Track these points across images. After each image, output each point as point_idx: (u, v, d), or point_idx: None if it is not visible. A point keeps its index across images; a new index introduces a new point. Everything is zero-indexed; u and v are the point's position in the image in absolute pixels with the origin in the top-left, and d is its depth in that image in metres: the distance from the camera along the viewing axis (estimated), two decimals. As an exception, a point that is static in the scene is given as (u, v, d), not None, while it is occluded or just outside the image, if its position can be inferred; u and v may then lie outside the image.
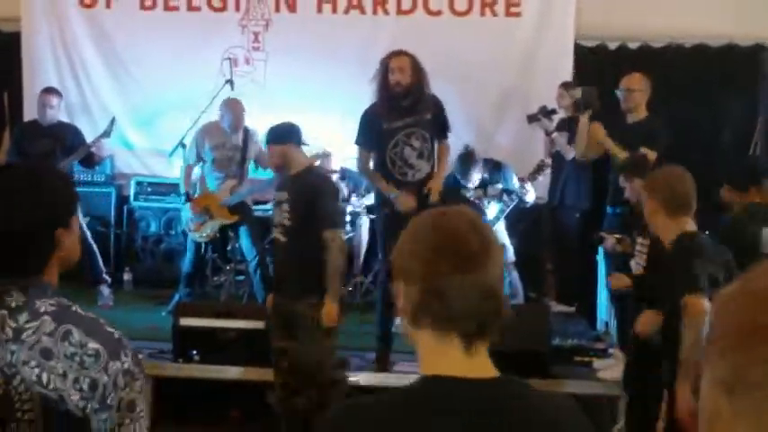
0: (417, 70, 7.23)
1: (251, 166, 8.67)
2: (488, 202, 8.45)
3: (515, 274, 8.51)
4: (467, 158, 8.50)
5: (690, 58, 9.37)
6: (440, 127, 7.43)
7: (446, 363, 1.93)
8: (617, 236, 6.67)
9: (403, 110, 7.20)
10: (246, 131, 8.61)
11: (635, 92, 7.82)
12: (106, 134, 8.77)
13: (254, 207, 8.92)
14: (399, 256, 1.99)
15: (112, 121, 8.86)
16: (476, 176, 8.49)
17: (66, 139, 8.75)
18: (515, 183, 8.51)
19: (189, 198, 8.48)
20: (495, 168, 8.68)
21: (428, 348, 1.96)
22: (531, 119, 8.57)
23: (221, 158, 8.52)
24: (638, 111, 7.84)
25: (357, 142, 7.37)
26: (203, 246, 8.58)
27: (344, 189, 9.12)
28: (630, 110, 7.84)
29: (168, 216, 9.54)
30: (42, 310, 2.21)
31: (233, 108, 8.57)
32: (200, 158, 8.59)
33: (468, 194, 8.41)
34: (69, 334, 2.18)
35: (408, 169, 7.28)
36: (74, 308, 2.26)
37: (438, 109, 7.42)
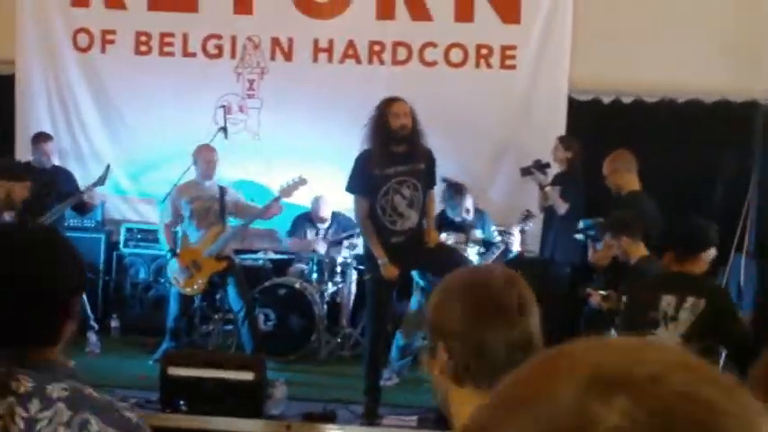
0: (414, 118, 7.27)
1: (230, 220, 8.57)
2: (469, 248, 8.39)
3: None
4: (457, 189, 8.43)
5: (683, 113, 9.36)
6: (430, 178, 7.45)
7: None
8: (602, 292, 6.64)
9: (397, 157, 7.19)
10: (221, 188, 8.49)
11: (608, 177, 7.69)
12: (100, 182, 8.68)
13: (243, 256, 8.86)
14: (437, 314, 1.97)
15: (107, 169, 8.76)
16: (467, 205, 8.43)
17: (59, 184, 8.70)
18: (494, 233, 8.51)
19: (174, 254, 8.39)
20: (475, 214, 8.65)
21: (469, 406, 1.90)
22: (525, 172, 8.57)
23: (199, 210, 8.40)
24: (620, 189, 7.63)
25: (350, 190, 7.32)
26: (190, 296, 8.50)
27: (330, 235, 9.08)
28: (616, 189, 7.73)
29: (158, 263, 9.42)
30: (55, 396, 1.99)
31: (204, 155, 8.50)
32: (178, 216, 8.49)
33: (448, 238, 8.33)
34: (87, 423, 1.97)
35: (398, 218, 7.26)
36: (87, 391, 2.05)
37: (431, 160, 7.43)
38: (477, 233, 8.51)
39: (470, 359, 1.94)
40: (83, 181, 8.90)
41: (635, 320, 5.72)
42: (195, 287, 8.33)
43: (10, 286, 2.07)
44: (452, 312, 1.98)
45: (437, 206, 7.99)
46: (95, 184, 8.67)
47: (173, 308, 8.46)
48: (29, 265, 2.09)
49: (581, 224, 7.71)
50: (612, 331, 6.55)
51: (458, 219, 8.48)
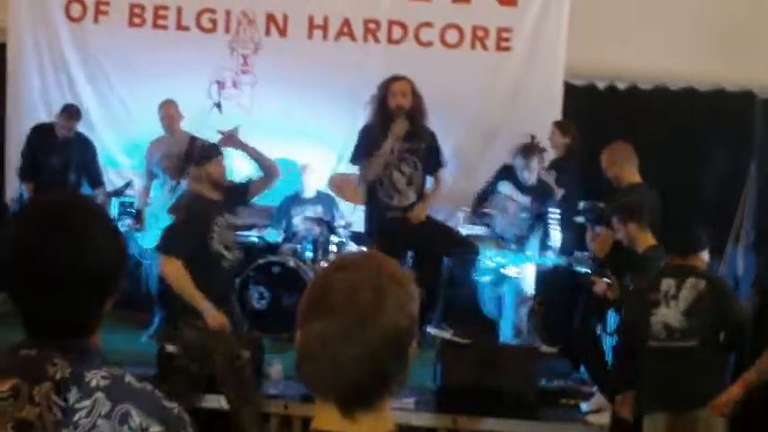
0: (417, 96, 7.39)
1: None
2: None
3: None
4: (526, 148, 8.28)
5: (678, 101, 9.38)
6: (433, 159, 7.48)
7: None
8: (607, 280, 6.62)
9: (398, 135, 7.31)
10: (191, 139, 8.45)
11: (607, 168, 7.62)
12: (118, 194, 8.87)
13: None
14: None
15: (127, 184, 8.97)
16: (535, 166, 8.20)
17: (79, 155, 8.85)
18: None
19: (138, 214, 8.58)
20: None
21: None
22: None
23: (170, 167, 8.48)
24: (620, 181, 7.51)
25: (353, 161, 7.41)
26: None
27: (318, 215, 9.04)
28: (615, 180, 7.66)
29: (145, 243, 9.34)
30: (94, 384, 1.89)
31: (163, 110, 8.75)
32: (150, 174, 8.70)
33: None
34: (128, 416, 1.89)
35: (395, 193, 7.38)
36: (127, 379, 1.95)
37: (432, 140, 7.50)
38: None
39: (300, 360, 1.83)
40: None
41: (636, 303, 5.77)
42: None
43: (51, 270, 1.93)
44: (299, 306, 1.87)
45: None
46: (110, 195, 8.85)
47: (154, 276, 8.48)
48: (73, 246, 1.94)
49: (581, 204, 7.68)
50: (611, 316, 6.61)
51: (528, 182, 8.26)
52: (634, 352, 5.68)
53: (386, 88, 7.50)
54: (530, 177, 8.17)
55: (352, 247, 8.74)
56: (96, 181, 9.06)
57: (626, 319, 6.12)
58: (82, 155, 8.94)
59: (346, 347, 1.75)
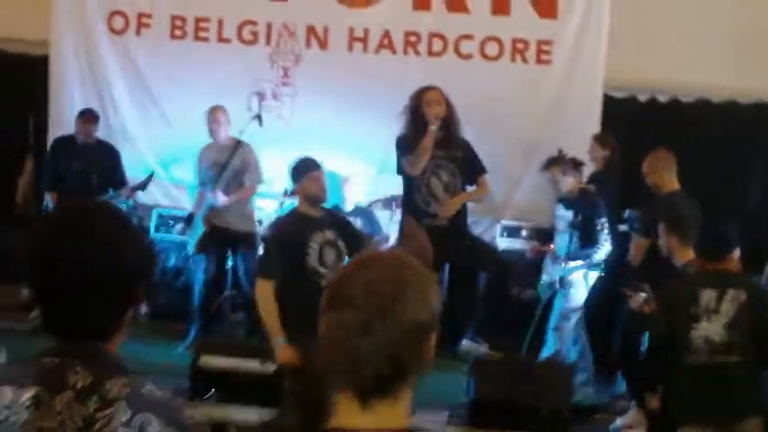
0: (449, 105, 7.48)
1: None
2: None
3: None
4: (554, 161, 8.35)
5: (719, 114, 9.30)
6: (473, 167, 7.53)
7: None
8: (644, 294, 6.50)
9: (434, 142, 7.34)
10: (236, 144, 8.63)
11: (647, 176, 7.58)
12: (141, 187, 8.85)
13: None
14: None
15: (150, 176, 8.94)
16: (562, 179, 8.21)
17: (100, 159, 8.88)
18: None
19: (190, 217, 8.60)
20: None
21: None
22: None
23: (215, 174, 8.59)
24: (659, 189, 7.52)
25: (399, 171, 7.61)
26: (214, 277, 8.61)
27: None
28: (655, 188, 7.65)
29: (187, 250, 9.37)
30: (114, 392, 1.92)
31: (210, 115, 8.74)
32: (202, 183, 8.74)
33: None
34: (148, 425, 1.91)
35: (432, 200, 7.45)
36: (147, 387, 1.97)
37: (468, 150, 7.58)
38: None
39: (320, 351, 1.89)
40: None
41: (675, 317, 5.66)
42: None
43: (76, 273, 1.95)
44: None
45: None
46: (136, 188, 8.84)
47: (198, 284, 8.58)
48: (97, 250, 1.97)
49: (626, 213, 7.65)
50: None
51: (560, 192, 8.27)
52: (666, 358, 5.59)
53: (419, 98, 7.58)
54: (560, 189, 8.12)
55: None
56: (120, 184, 9.04)
57: (663, 334, 5.98)
58: (103, 159, 8.99)
59: (366, 337, 1.77)
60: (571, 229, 8.01)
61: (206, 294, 8.59)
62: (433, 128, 7.45)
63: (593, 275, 8.01)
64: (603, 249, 7.95)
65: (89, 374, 1.92)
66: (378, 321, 1.77)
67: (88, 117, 9.06)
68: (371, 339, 1.77)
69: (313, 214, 6.17)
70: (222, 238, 8.62)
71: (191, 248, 8.68)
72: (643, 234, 7.24)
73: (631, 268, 7.41)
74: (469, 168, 7.72)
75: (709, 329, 5.42)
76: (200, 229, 8.54)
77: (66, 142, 9.16)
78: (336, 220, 6.45)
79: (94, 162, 8.87)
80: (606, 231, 7.95)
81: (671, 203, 7.27)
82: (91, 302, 1.97)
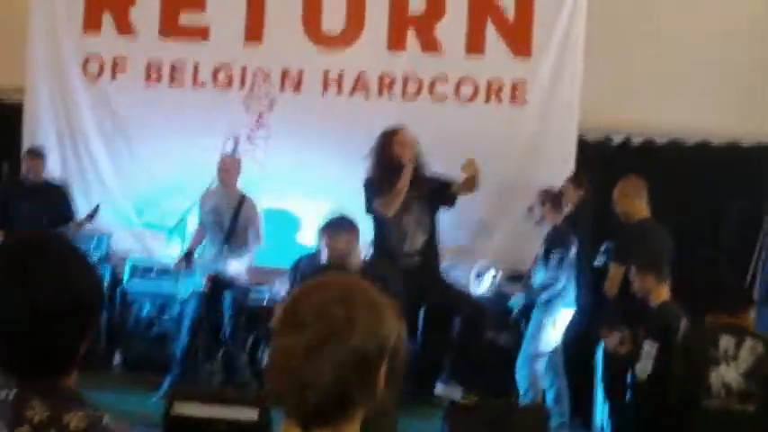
0: (417, 144, 7.52)
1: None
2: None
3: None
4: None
5: (693, 155, 9.34)
6: (441, 186, 7.57)
7: None
8: (617, 333, 6.49)
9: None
10: (241, 198, 8.62)
11: (617, 202, 7.63)
12: (88, 219, 8.78)
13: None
14: None
15: (96, 208, 8.83)
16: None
17: (51, 200, 8.82)
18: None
19: (189, 254, 8.55)
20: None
21: None
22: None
23: (213, 223, 8.63)
24: (629, 217, 7.57)
25: (368, 211, 7.51)
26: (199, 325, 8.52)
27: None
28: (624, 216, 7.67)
29: (162, 299, 9.30)
30: (73, 426, 1.90)
31: (221, 162, 8.74)
32: (203, 225, 8.76)
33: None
34: None
35: (406, 238, 7.39)
36: (105, 421, 1.94)
37: (431, 180, 7.56)
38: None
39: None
40: (87, 209, 8.94)
41: (694, 357, 5.63)
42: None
43: (22, 309, 1.93)
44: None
45: None
46: (81, 223, 8.76)
47: (184, 330, 8.52)
48: (47, 283, 1.95)
49: (603, 246, 7.67)
50: (629, 375, 6.43)
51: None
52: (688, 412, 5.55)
53: (389, 138, 7.57)
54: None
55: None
56: (68, 220, 8.91)
57: (679, 375, 5.90)
58: (52, 198, 8.90)
59: (310, 363, 1.73)
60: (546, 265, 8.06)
61: (190, 339, 8.52)
62: (409, 168, 7.44)
63: (563, 318, 7.98)
64: (540, 276, 7.98)
65: (46, 409, 1.91)
66: (323, 345, 1.73)
67: (35, 154, 9.00)
68: (315, 364, 1.73)
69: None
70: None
71: (183, 295, 8.60)
72: (618, 260, 7.20)
73: (607, 302, 7.38)
74: (439, 191, 7.73)
75: (728, 374, 5.41)
76: (199, 284, 8.47)
77: (14, 183, 9.11)
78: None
79: (43, 203, 8.76)
80: (555, 263, 7.94)
81: (642, 232, 7.29)
82: (41, 337, 1.94)
